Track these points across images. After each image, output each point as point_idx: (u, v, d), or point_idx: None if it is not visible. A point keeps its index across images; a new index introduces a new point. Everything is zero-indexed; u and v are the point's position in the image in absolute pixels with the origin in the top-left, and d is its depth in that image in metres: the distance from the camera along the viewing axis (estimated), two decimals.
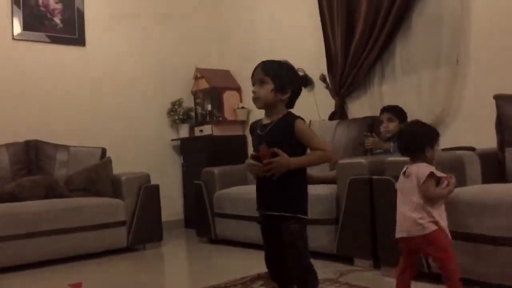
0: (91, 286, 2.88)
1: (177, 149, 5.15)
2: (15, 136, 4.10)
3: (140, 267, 3.40)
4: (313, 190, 3.13)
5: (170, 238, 4.29)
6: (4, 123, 4.18)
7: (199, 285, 2.22)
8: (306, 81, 1.90)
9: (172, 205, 4.80)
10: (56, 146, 4.23)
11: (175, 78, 5.16)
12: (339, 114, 4.09)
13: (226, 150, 4.88)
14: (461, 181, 2.53)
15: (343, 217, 2.88)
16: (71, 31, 4.62)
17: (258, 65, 1.85)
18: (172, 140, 5.11)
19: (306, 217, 1.81)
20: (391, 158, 2.59)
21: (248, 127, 4.98)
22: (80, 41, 4.67)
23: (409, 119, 3.35)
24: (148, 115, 4.97)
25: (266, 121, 1.86)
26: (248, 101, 5.10)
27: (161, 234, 3.97)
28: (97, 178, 4.02)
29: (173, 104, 5.05)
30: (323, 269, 2.79)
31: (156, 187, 4.01)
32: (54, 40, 4.52)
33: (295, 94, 1.86)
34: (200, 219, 4.04)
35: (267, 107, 1.85)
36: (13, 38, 4.32)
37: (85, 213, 3.65)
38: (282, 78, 1.81)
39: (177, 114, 5.04)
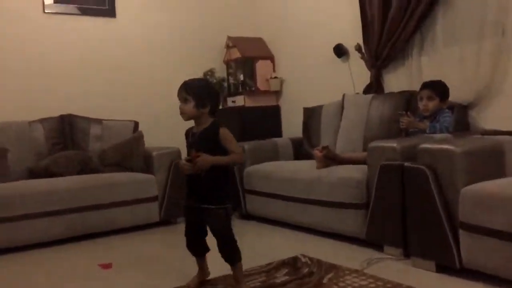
0: (123, 261, 2.95)
1: None
2: (50, 111, 4.16)
3: (171, 242, 3.44)
4: (343, 172, 3.05)
5: None
6: (38, 98, 4.24)
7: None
8: (218, 96, 2.33)
9: None
10: (90, 120, 4.27)
11: (207, 48, 5.06)
12: (374, 87, 3.91)
13: (259, 121, 4.81)
14: (501, 170, 2.38)
15: (373, 203, 2.78)
16: (101, 2, 4.57)
17: (181, 85, 2.21)
18: None
19: (229, 204, 2.23)
20: (425, 145, 2.44)
21: (281, 98, 4.97)
22: (110, 12, 4.62)
23: (450, 96, 3.17)
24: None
25: (195, 130, 2.26)
26: (281, 71, 4.97)
27: None
28: (129, 153, 4.05)
29: (205, 74, 4.97)
30: (350, 256, 2.74)
31: None
32: (85, 12, 4.50)
33: (215, 106, 2.25)
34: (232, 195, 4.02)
35: (193, 119, 2.24)
36: (44, 11, 4.31)
37: (118, 189, 3.70)
38: (201, 96, 2.19)
39: None
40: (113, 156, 4.06)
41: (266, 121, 4.87)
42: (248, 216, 3.91)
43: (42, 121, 4.10)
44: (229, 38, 4.97)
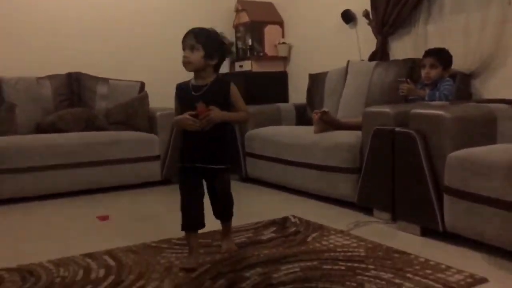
0: (121, 215, 3.05)
1: None
2: (58, 68, 4.23)
3: (171, 200, 3.51)
4: (338, 137, 3.06)
5: None
6: (47, 55, 4.31)
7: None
8: (228, 50, 2.15)
9: None
10: (97, 79, 4.33)
11: (216, 11, 5.04)
12: (380, 54, 3.87)
13: (265, 87, 4.82)
14: (491, 138, 2.37)
15: (365, 167, 2.80)
16: None
17: (189, 31, 2.02)
18: None
19: (230, 165, 2.13)
20: (416, 110, 2.44)
21: (288, 64, 4.96)
22: None
23: (453, 64, 3.13)
24: None
25: (198, 83, 2.05)
26: (290, 36, 4.94)
27: None
28: (134, 113, 4.12)
29: None
30: (340, 218, 2.78)
31: None
32: None
33: (222, 61, 2.08)
34: (232, 158, 4.08)
35: (197, 70, 2.04)
36: None
37: (122, 147, 3.79)
38: (211, 46, 2.00)
39: None
40: (118, 115, 4.13)
41: (272, 87, 4.88)
42: (247, 179, 3.97)
43: (50, 77, 4.18)
44: (238, 1, 4.94)
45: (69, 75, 4.25)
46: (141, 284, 1.89)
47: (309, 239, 2.40)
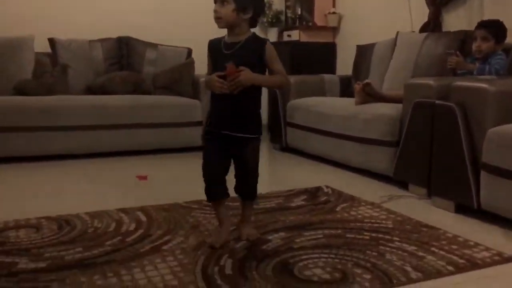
0: (159, 176, 3.15)
1: None
2: (109, 32, 4.34)
3: None
4: (379, 109, 3.00)
5: None
6: (98, 19, 4.42)
7: None
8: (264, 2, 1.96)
9: None
10: (146, 44, 4.42)
11: None
12: (432, 26, 3.71)
13: (313, 58, 4.75)
14: None
15: (403, 141, 2.73)
16: None
17: None
18: None
19: (260, 135, 1.93)
20: (458, 83, 2.34)
21: (338, 35, 4.85)
22: None
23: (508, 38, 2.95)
24: None
25: (231, 40, 1.83)
26: (342, 6, 4.82)
27: None
28: (179, 78, 4.19)
29: None
30: (374, 191, 2.74)
31: None
32: None
33: (257, 14, 1.84)
34: (274, 127, 4.09)
35: (230, 27, 1.82)
36: None
37: (165, 111, 3.88)
38: None
39: (266, 16, 4.93)
40: (164, 80, 4.21)
41: (320, 58, 4.80)
42: (287, 149, 3.97)
43: (101, 41, 4.31)
44: None
45: (119, 39, 4.36)
46: (167, 239, 1.96)
47: (338, 208, 2.39)
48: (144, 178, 3.06)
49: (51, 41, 4.13)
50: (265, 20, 4.93)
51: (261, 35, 5.18)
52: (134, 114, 3.78)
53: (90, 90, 4.07)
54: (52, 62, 4.11)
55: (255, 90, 1.83)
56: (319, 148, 3.54)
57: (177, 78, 4.18)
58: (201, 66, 4.27)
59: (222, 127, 1.85)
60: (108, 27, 4.39)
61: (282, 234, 2.02)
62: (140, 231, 2.05)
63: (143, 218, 2.23)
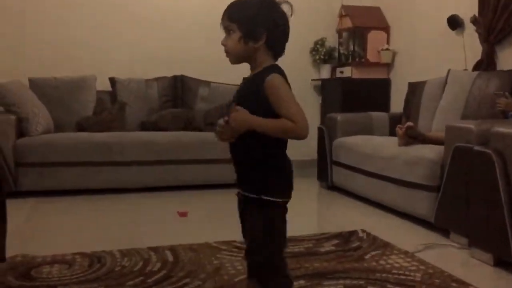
0: (201, 212, 3.23)
1: (318, 89, 5.12)
2: (165, 70, 4.56)
3: None
4: (420, 151, 2.91)
5: (296, 176, 4.43)
6: (155, 58, 4.64)
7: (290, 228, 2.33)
8: (284, 17, 1.44)
9: (306, 145, 4.85)
10: (199, 82, 4.59)
11: (320, 16, 5.02)
12: (485, 64, 3.55)
13: (365, 95, 4.69)
14: None
15: (444, 186, 2.61)
16: None
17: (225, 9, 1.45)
18: (313, 80, 5.09)
19: (277, 200, 1.42)
20: (497, 128, 2.22)
21: (392, 71, 4.77)
22: None
23: None
24: (290, 53, 4.93)
25: (248, 76, 1.48)
26: (396, 42, 4.75)
27: None
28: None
29: (316, 43, 4.97)
30: (412, 237, 2.64)
31: None
32: None
33: (275, 39, 1.41)
34: (320, 164, 4.06)
35: (244, 60, 1.45)
36: None
37: (213, 147, 3.97)
38: (249, 21, 1.39)
39: (319, 53, 4.96)
40: (215, 117, 4.32)
41: (373, 95, 4.72)
42: (333, 187, 3.91)
43: (157, 79, 4.53)
44: (343, 6, 4.87)
45: (175, 77, 4.56)
46: (185, 282, 2.00)
47: (368, 256, 2.32)
48: (184, 214, 3.14)
49: (112, 80, 4.40)
50: (317, 57, 4.96)
51: (314, 72, 5.35)
52: (181, 150, 3.91)
53: (144, 126, 4.27)
54: (112, 100, 4.37)
55: (258, 137, 1.37)
56: (362, 188, 3.46)
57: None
58: None
59: (237, 182, 1.50)
60: (165, 66, 4.60)
61: (301, 282, 2.00)
62: (163, 272, 2.11)
63: (170, 258, 2.28)
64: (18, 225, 2.96)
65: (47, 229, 2.89)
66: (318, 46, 4.96)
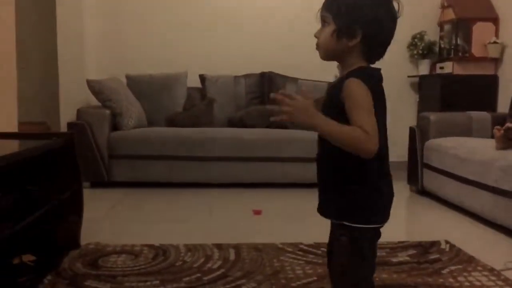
0: (274, 212, 3.17)
1: (415, 86, 4.79)
2: (254, 67, 4.55)
3: None
4: None
5: None
6: (243, 55, 4.65)
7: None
8: (391, 16, 1.22)
9: (398, 146, 4.56)
10: (287, 78, 4.52)
11: (419, 8, 4.68)
12: None
13: (468, 93, 4.29)
14: None
15: None
16: None
17: None
18: (409, 76, 4.77)
19: (364, 226, 1.23)
20: None
21: (500, 67, 4.30)
22: None
23: None
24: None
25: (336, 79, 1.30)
26: (505, 35, 4.29)
27: None
28: None
29: (414, 37, 4.65)
30: (503, 253, 2.34)
31: None
32: None
33: (374, 37, 1.21)
34: (411, 167, 3.78)
35: (336, 59, 1.27)
36: None
37: (297, 145, 3.88)
38: (346, 13, 1.20)
39: (417, 48, 4.63)
40: None
41: (477, 93, 4.30)
42: (423, 192, 3.62)
43: (245, 76, 4.54)
44: None
45: (263, 74, 4.54)
46: (240, 283, 1.94)
47: (445, 271, 2.09)
48: (258, 212, 3.10)
49: (201, 77, 4.50)
50: (415, 52, 4.64)
51: (412, 68, 5.01)
52: (266, 147, 3.88)
53: (231, 123, 4.30)
54: (201, 96, 4.46)
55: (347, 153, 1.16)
56: (454, 195, 3.15)
57: None
58: None
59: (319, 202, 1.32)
60: (253, 63, 4.60)
61: None
62: (221, 271, 2.08)
63: (232, 256, 2.25)
64: (102, 214, 3.13)
65: (126, 219, 3.02)
66: (416, 40, 4.64)
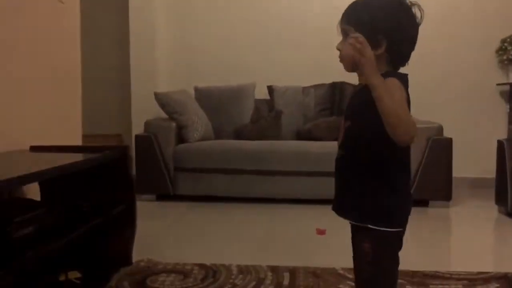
0: (340, 232, 2.92)
1: (505, 95, 4.33)
2: (323, 78, 4.35)
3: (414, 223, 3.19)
4: None
5: (468, 197, 3.82)
6: (313, 65, 4.46)
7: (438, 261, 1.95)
8: (412, 22, 1.20)
9: (484, 161, 4.14)
10: None
11: (509, 10, 4.25)
12: None
13: None
14: None
15: None
16: None
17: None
18: (498, 84, 4.32)
19: (391, 229, 1.19)
20: None
21: None
22: None
23: None
24: (471, 54, 4.32)
25: (357, 87, 1.27)
26: None
27: (450, 193, 3.54)
28: None
29: (504, 41, 4.22)
30: None
31: (448, 141, 3.54)
32: None
33: (398, 44, 1.19)
34: (499, 185, 3.38)
35: (359, 68, 1.17)
36: None
37: None
38: (368, 24, 1.18)
39: (507, 53, 4.19)
40: None
41: None
42: None
43: (315, 87, 4.35)
44: None
45: (333, 84, 4.32)
46: None
47: None
48: (322, 232, 2.89)
49: (270, 88, 4.37)
50: (505, 57, 4.20)
51: (501, 75, 4.54)
52: (332, 162, 3.64)
53: (299, 135, 4.13)
54: (269, 108, 4.34)
55: (379, 139, 1.13)
56: None
57: None
58: (420, 111, 3.89)
59: (334, 202, 1.33)
60: (323, 73, 4.39)
61: None
62: None
63: (286, 281, 2.07)
64: (161, 228, 3.08)
65: (183, 235, 2.94)
66: (506, 44, 4.20)
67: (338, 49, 1.27)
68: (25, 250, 1.51)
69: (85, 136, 4.49)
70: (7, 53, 2.15)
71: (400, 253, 1.23)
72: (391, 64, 1.22)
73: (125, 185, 2.30)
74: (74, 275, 1.94)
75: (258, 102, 4.37)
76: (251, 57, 4.57)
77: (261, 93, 4.41)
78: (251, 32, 4.58)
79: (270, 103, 4.36)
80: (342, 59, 1.25)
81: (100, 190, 2.20)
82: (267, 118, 4.25)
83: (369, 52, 1.10)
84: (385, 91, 1.08)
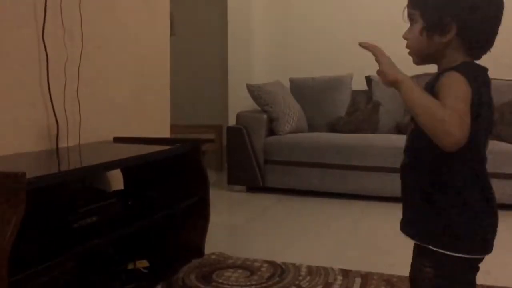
0: None
1: None
2: (430, 66, 4.01)
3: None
4: None
5: None
6: None
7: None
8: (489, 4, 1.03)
9: None
10: None
11: None
12: None
13: None
14: None
15: None
16: None
17: None
18: None
19: (455, 254, 1.01)
20: None
21: None
22: None
23: None
24: None
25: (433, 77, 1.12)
26: None
27: None
28: (501, 119, 3.48)
29: None
30: None
31: None
32: None
33: (472, 27, 1.02)
34: None
35: (432, 61, 1.11)
36: None
37: None
38: (435, 7, 1.04)
39: None
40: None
41: None
42: None
43: (417, 76, 3.99)
44: None
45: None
46: None
47: None
48: None
49: (368, 79, 4.15)
50: None
51: None
52: None
53: (399, 128, 3.86)
54: (367, 99, 4.12)
55: (444, 157, 0.98)
56: None
57: (497, 119, 3.48)
58: None
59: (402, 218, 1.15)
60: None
61: None
62: None
63: (356, 287, 1.93)
64: (243, 221, 3.07)
65: (264, 228, 2.90)
66: None
67: (404, 38, 1.14)
68: (86, 238, 1.57)
69: (186, 127, 4.67)
70: (99, 48, 2.26)
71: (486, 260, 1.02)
72: (467, 52, 1.05)
73: (199, 178, 2.31)
74: (143, 264, 1.99)
75: (355, 93, 4.18)
76: (349, 47, 4.35)
77: (360, 84, 4.20)
78: (348, 21, 4.38)
79: (368, 95, 4.14)
80: (409, 51, 1.13)
81: (170, 182, 2.24)
82: (363, 110, 4.05)
83: (385, 56, 1.05)
84: (410, 87, 0.99)
